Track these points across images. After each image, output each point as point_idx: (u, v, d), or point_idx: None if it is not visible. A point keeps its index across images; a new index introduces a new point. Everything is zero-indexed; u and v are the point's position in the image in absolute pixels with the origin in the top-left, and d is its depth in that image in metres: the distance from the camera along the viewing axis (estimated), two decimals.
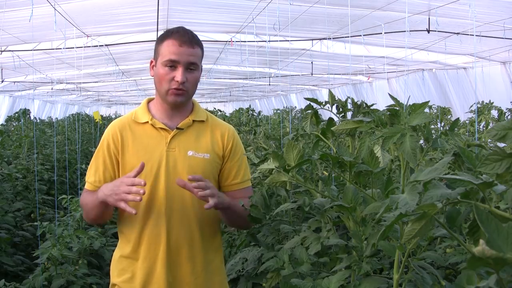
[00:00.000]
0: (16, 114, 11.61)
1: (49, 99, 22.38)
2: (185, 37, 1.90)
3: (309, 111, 1.96)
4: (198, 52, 1.93)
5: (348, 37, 7.31)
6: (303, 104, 14.09)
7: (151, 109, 2.03)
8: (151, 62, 2.00)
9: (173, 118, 2.00)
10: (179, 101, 1.94)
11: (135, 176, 1.77)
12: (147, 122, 1.98)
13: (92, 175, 2.02)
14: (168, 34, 1.94)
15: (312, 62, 11.82)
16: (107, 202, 1.84)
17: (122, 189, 1.76)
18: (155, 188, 1.93)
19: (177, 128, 1.98)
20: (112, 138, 1.99)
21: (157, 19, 7.61)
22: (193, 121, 2.02)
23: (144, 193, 1.74)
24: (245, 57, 10.67)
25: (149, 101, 2.08)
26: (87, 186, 2.04)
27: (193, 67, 1.92)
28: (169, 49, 1.89)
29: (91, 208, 1.97)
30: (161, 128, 1.97)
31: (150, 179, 1.93)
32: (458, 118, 1.99)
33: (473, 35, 6.12)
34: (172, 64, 1.89)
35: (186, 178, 1.93)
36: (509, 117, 5.75)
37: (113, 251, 2.10)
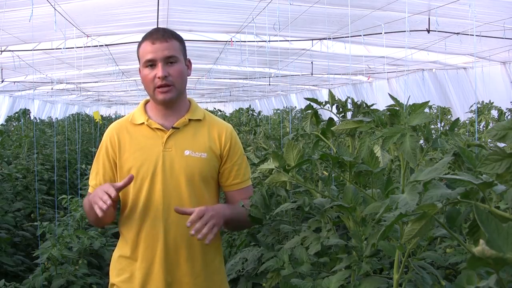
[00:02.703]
0: (16, 114, 11.61)
1: (49, 99, 22.39)
2: (156, 34, 1.94)
3: (309, 111, 1.96)
4: (173, 45, 1.93)
5: (348, 37, 7.31)
6: (303, 104, 14.09)
7: (148, 110, 2.04)
8: (139, 69, 2.01)
9: (169, 118, 2.00)
10: (168, 98, 1.93)
11: (121, 187, 1.79)
12: (143, 123, 1.99)
13: (94, 178, 2.04)
14: (143, 38, 1.99)
15: (312, 62, 11.82)
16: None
17: (97, 195, 1.77)
18: (151, 188, 1.93)
19: (173, 128, 1.98)
20: (110, 141, 2.01)
21: (157, 19, 7.60)
22: (189, 120, 2.01)
23: (110, 204, 1.74)
24: (245, 57, 10.67)
25: (146, 102, 2.09)
26: (90, 189, 2.07)
27: (172, 60, 1.92)
28: (144, 49, 1.93)
29: (88, 212, 1.99)
30: (157, 129, 1.98)
31: (146, 179, 1.93)
32: (458, 118, 1.99)
33: (473, 35, 6.12)
34: (151, 63, 1.91)
35: (184, 177, 1.94)
36: (509, 117, 5.75)
37: (113, 251, 2.10)
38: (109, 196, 1.74)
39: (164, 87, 1.91)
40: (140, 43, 1.99)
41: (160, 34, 1.93)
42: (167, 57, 1.91)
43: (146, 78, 1.93)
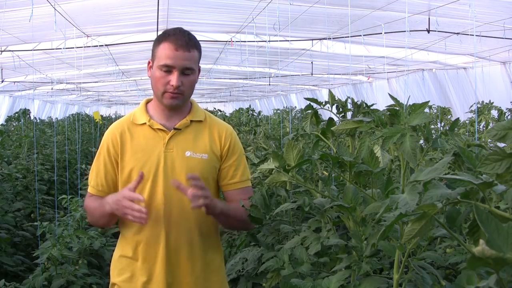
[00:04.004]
0: (16, 114, 11.62)
1: (49, 99, 22.38)
2: (181, 40, 1.89)
3: (309, 111, 1.96)
4: (194, 55, 1.92)
5: (348, 37, 7.31)
6: (303, 104, 14.09)
7: (150, 110, 2.04)
8: (149, 62, 2.00)
9: (171, 118, 2.00)
10: (175, 104, 1.95)
11: (135, 187, 1.82)
12: (145, 123, 1.99)
13: (94, 179, 2.03)
14: (165, 36, 1.93)
15: (312, 62, 11.82)
16: (116, 214, 1.89)
17: (124, 205, 1.80)
18: (153, 189, 1.94)
19: (175, 129, 1.98)
20: (112, 141, 2.00)
21: (157, 19, 7.60)
22: (191, 121, 2.02)
23: (146, 213, 1.78)
24: (245, 57, 10.67)
25: (147, 101, 2.09)
26: (89, 189, 2.06)
27: (188, 71, 1.91)
28: (165, 53, 1.89)
29: (100, 217, 2.00)
30: (158, 129, 1.98)
31: (148, 180, 1.94)
32: (458, 118, 1.99)
33: (473, 35, 6.12)
34: (168, 69, 1.89)
35: (184, 178, 1.94)
36: (509, 117, 5.75)
37: (113, 251, 2.10)
38: (139, 202, 1.79)
39: (175, 94, 1.91)
40: (160, 40, 1.93)
41: (185, 42, 1.89)
42: (185, 68, 1.90)
43: (158, 81, 1.92)
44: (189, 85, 1.94)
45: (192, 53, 1.91)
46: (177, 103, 1.94)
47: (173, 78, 1.88)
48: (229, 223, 2.08)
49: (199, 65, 2.02)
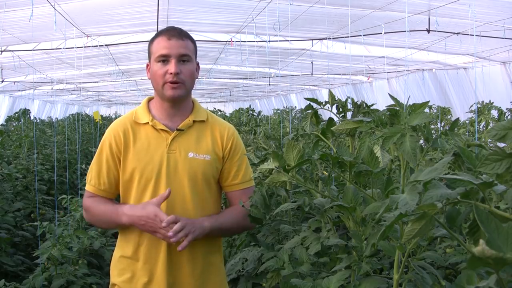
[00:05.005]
0: (16, 114, 11.63)
1: (49, 99, 22.38)
2: (173, 31, 1.94)
3: (309, 111, 1.96)
4: (188, 44, 1.95)
5: (348, 37, 7.31)
6: (303, 104, 14.08)
7: (152, 109, 2.03)
8: (147, 65, 2.00)
9: (173, 118, 1.99)
10: (177, 95, 1.93)
11: (159, 203, 1.85)
12: (148, 123, 1.98)
13: (95, 177, 2.00)
14: (157, 33, 1.99)
15: (312, 62, 11.82)
16: (136, 227, 1.90)
17: (157, 225, 1.82)
18: (156, 189, 1.93)
19: (178, 129, 1.97)
20: (114, 139, 1.98)
21: (157, 19, 7.60)
22: (194, 121, 2.01)
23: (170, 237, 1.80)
24: (245, 57, 10.67)
25: (149, 100, 2.08)
26: (89, 188, 2.02)
27: (185, 58, 1.92)
28: (159, 45, 1.92)
29: (107, 223, 2.00)
30: (161, 130, 1.97)
31: (151, 181, 1.93)
32: (458, 118, 1.99)
33: (473, 35, 6.12)
34: (165, 59, 1.90)
35: (187, 179, 1.94)
36: (509, 117, 5.75)
37: (113, 251, 2.09)
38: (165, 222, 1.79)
39: (175, 83, 1.91)
40: (153, 39, 1.98)
41: (177, 32, 1.94)
42: (182, 55, 1.91)
43: (156, 74, 1.92)
44: (188, 74, 1.93)
45: (186, 42, 1.93)
46: (179, 93, 1.93)
47: (171, 66, 1.89)
48: (224, 234, 2.09)
49: (197, 61, 2.02)
